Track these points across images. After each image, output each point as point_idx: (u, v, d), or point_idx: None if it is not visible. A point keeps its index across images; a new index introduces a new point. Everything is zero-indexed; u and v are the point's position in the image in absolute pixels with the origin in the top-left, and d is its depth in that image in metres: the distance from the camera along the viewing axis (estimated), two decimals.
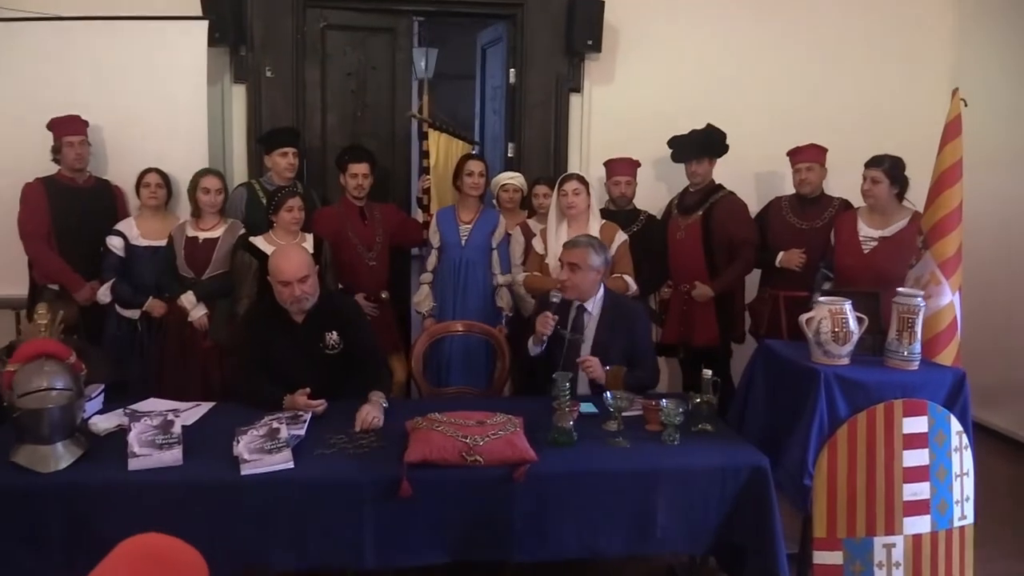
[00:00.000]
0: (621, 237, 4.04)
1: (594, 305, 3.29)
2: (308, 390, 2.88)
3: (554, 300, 3.21)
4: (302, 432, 2.60)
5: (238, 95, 4.95)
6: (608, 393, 2.68)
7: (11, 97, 4.40)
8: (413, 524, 2.38)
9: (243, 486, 2.34)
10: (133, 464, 2.39)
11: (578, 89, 5.12)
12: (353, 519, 2.35)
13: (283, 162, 4.28)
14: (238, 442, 2.41)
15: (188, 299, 3.95)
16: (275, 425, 2.47)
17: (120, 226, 4.16)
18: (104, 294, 4.12)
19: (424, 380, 3.53)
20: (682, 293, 4.35)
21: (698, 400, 2.78)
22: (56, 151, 4.16)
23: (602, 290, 3.34)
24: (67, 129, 4.15)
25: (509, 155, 5.19)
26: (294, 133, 4.45)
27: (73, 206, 4.17)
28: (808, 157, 4.24)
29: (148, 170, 4.18)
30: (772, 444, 2.83)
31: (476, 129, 5.46)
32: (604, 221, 4.08)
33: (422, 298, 4.31)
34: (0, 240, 4.27)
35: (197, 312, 3.95)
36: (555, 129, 5.12)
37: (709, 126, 4.39)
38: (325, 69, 4.97)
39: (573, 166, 5.11)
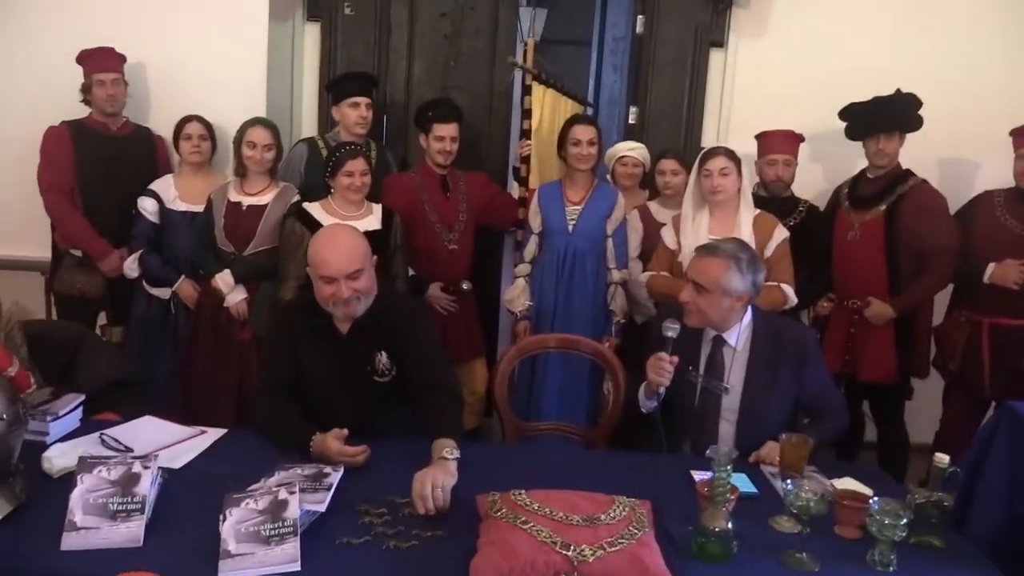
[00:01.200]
0: (781, 234, 3.08)
1: (738, 336, 2.34)
2: (345, 432, 2.04)
3: (669, 335, 2.25)
4: (323, 505, 1.75)
5: (311, 35, 4.21)
6: (788, 482, 1.74)
7: (39, 29, 3.74)
8: None
9: None
10: (68, 542, 1.61)
11: (721, 43, 4.14)
12: None
13: (353, 115, 3.48)
14: (224, 518, 1.60)
15: (224, 280, 3.22)
16: (282, 496, 1.65)
17: (155, 185, 3.46)
18: (131, 267, 3.44)
19: (508, 408, 2.65)
20: (850, 311, 3.34)
21: (924, 500, 1.81)
22: (86, 90, 3.46)
23: (749, 313, 2.38)
24: (99, 64, 3.46)
25: (630, 121, 4.26)
26: (369, 80, 3.65)
27: (103, 156, 3.49)
28: None
29: (189, 118, 3.47)
30: (1018, 559, 1.86)
31: (590, 93, 4.52)
32: (758, 211, 3.13)
33: (516, 294, 3.44)
34: (24, 195, 3.60)
35: (235, 296, 3.21)
36: (689, 92, 4.16)
37: (899, 92, 3.33)
38: (414, 8, 4.17)
39: (708, 138, 4.15)
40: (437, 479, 1.80)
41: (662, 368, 2.22)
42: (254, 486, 1.73)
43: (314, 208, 3.10)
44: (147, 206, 3.42)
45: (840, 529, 1.84)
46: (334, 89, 3.59)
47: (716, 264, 2.26)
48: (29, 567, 1.56)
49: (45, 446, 2.04)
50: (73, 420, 2.21)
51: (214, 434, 2.23)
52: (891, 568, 1.69)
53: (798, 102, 3.84)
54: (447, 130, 3.39)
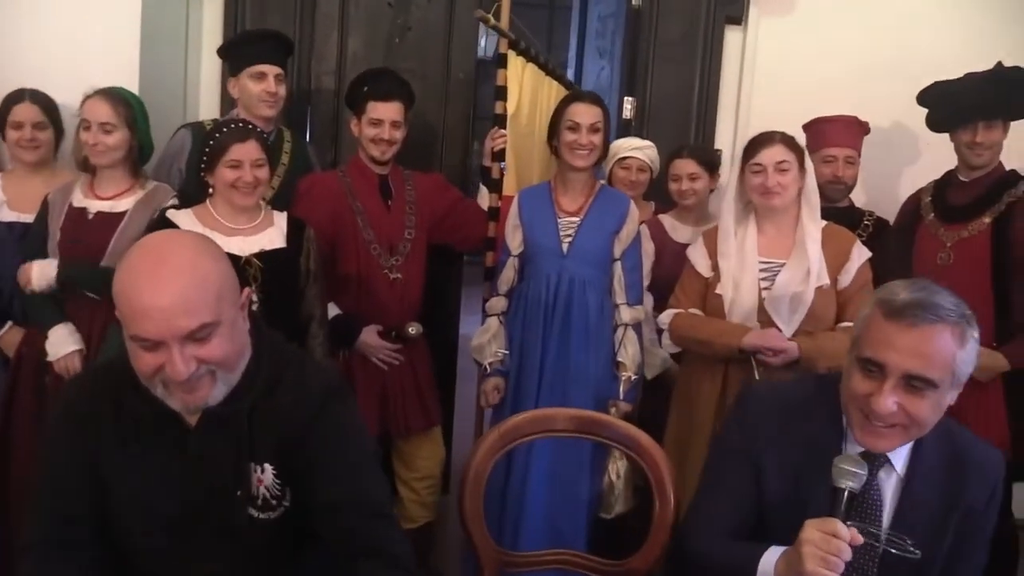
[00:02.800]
0: (862, 254, 2.28)
1: (900, 456, 1.38)
2: None
3: (846, 486, 1.24)
4: None
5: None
6: None
7: None
8: None
9: None
10: None
11: (738, 19, 3.36)
12: None
13: (257, 89, 2.57)
14: None
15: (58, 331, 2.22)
16: None
17: None
18: None
19: (485, 533, 1.63)
20: None
21: None
22: None
23: None
24: None
25: (624, 115, 3.42)
26: (280, 41, 2.70)
27: None
28: None
29: (17, 97, 2.50)
30: None
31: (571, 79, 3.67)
32: (826, 222, 2.27)
33: (486, 340, 2.51)
34: None
35: (61, 348, 2.19)
36: (701, 78, 3.37)
37: (1001, 66, 2.52)
38: None
39: (723, 135, 3.39)
40: None
41: (838, 550, 1.19)
42: None
43: (182, 218, 2.10)
44: None
45: None
46: (232, 55, 2.64)
47: (944, 336, 1.27)
48: None
49: None
50: None
51: None
52: None
53: (834, 89, 3.10)
54: (387, 111, 2.48)
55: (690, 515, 1.49)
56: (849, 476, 1.23)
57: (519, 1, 5.41)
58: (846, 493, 1.23)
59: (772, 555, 1.29)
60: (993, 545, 2.49)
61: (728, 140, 3.34)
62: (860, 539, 1.21)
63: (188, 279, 1.14)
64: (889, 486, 1.37)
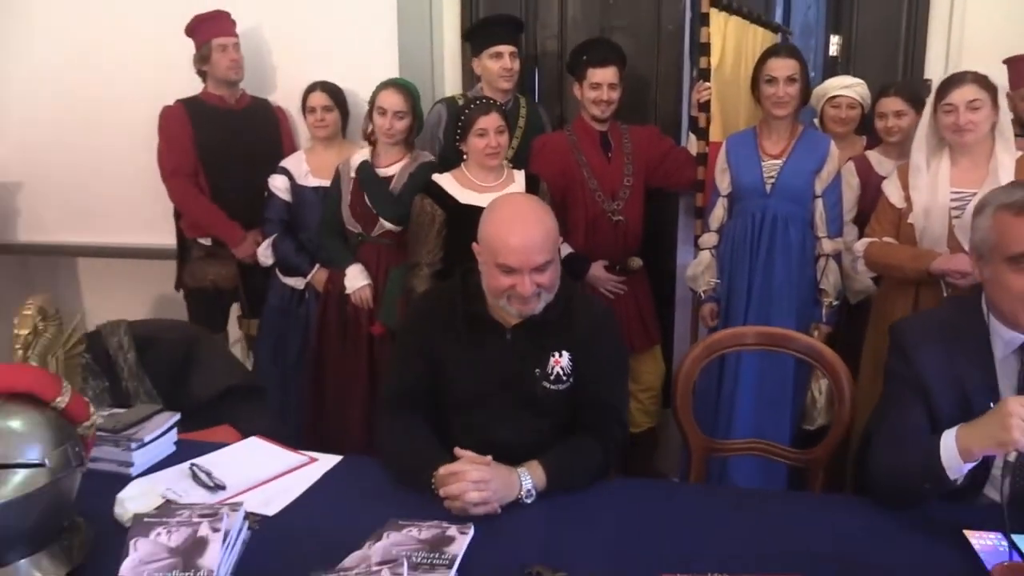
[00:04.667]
0: None
1: None
2: (488, 459, 1.56)
3: None
4: None
5: None
6: None
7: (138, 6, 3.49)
8: None
9: None
10: None
11: None
12: None
13: (496, 66, 3.00)
14: None
15: (351, 271, 2.84)
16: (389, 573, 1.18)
17: (287, 162, 3.15)
18: (265, 254, 3.13)
19: (693, 423, 2.05)
20: None
21: None
22: (202, 60, 3.15)
23: None
24: (217, 28, 3.14)
25: (831, 52, 3.54)
26: (514, 24, 3.15)
27: (225, 134, 3.20)
28: None
29: (312, 87, 3.11)
30: None
31: (778, 19, 3.79)
32: (1021, 153, 2.34)
33: (700, 271, 2.86)
34: (144, 182, 3.38)
35: (355, 281, 2.82)
36: (908, 10, 3.36)
37: None
38: None
39: (934, 70, 3.32)
40: (486, 481, 1.50)
41: None
42: (350, 560, 1.27)
43: (444, 180, 2.63)
44: (278, 184, 3.09)
45: None
46: (473, 38, 3.11)
47: None
48: None
49: (129, 479, 1.69)
50: (166, 445, 1.85)
51: (326, 463, 1.80)
52: None
53: None
54: (605, 75, 2.84)
55: (873, 438, 1.65)
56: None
57: None
58: None
59: (949, 436, 1.43)
60: None
61: (939, 72, 3.21)
62: None
63: (541, 229, 1.69)
64: None
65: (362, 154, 2.93)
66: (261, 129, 3.25)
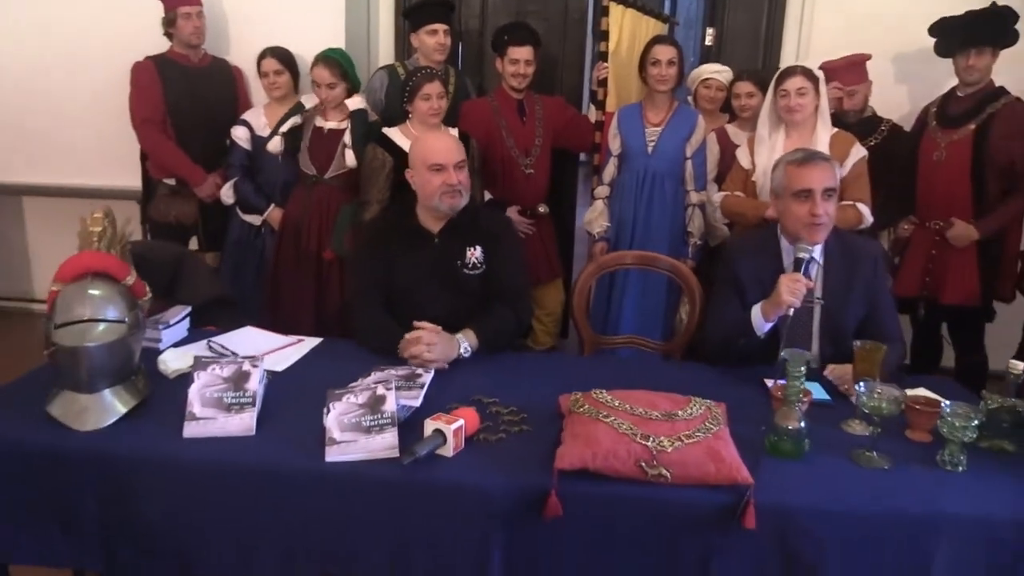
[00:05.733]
0: (859, 152, 3.03)
1: (818, 249, 2.30)
2: (437, 327, 2.19)
3: (803, 256, 2.17)
4: (417, 401, 1.89)
5: None
6: (861, 384, 1.80)
7: None
8: (559, 558, 1.64)
9: (328, 476, 1.67)
10: (189, 430, 1.77)
11: None
12: (473, 541, 1.63)
13: (432, 41, 3.53)
14: (328, 411, 1.74)
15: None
16: (380, 391, 1.78)
17: (247, 115, 3.63)
18: (227, 194, 3.61)
19: (586, 323, 2.74)
20: (932, 232, 3.29)
21: (997, 405, 1.85)
22: (169, 23, 3.59)
23: None
24: None
25: (707, 43, 4.22)
26: (447, 6, 3.67)
27: (189, 88, 3.64)
28: None
29: (263, 54, 3.58)
30: None
31: (666, 12, 4.47)
32: (836, 130, 3.08)
33: (595, 216, 3.51)
34: (111, 128, 3.83)
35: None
36: (768, 11, 4.09)
37: (994, 4, 3.21)
38: None
39: (788, 59, 4.07)
40: (434, 344, 2.13)
41: (798, 289, 2.12)
42: (354, 384, 1.87)
43: (393, 133, 3.19)
44: (239, 134, 3.57)
45: (912, 434, 1.88)
46: (412, 16, 3.63)
47: (830, 167, 2.24)
48: (155, 451, 1.73)
49: (159, 351, 2.21)
50: (181, 330, 2.39)
51: (310, 342, 2.37)
52: (960, 468, 1.74)
53: (882, 19, 3.77)
54: (523, 53, 3.41)
55: (707, 318, 2.45)
56: (803, 251, 2.16)
57: None
58: (804, 261, 2.15)
59: (755, 308, 2.21)
60: (965, 369, 3.36)
61: (791, 62, 3.77)
62: (811, 283, 2.17)
63: (454, 140, 2.42)
64: (813, 269, 2.27)
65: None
66: (220, 86, 3.71)
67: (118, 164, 3.96)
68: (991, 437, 1.84)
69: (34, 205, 4.50)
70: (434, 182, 2.33)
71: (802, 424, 1.75)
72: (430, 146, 2.37)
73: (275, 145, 3.41)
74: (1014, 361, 1.87)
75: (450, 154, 2.33)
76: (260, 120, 3.59)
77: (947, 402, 1.79)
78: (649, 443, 1.62)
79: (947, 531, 1.60)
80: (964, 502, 1.64)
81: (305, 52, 3.64)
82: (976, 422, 1.72)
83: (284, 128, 3.39)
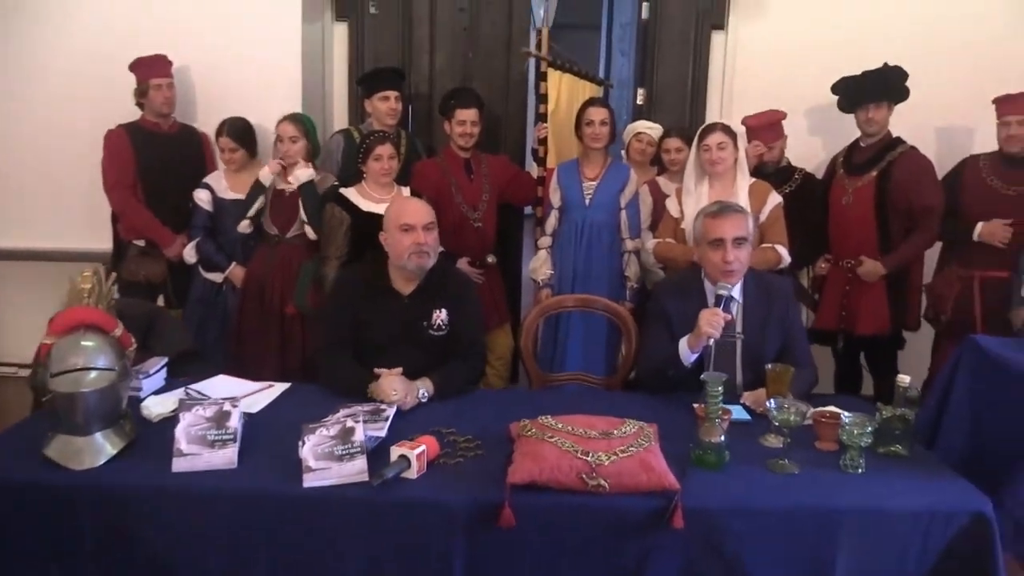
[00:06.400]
0: (775, 199, 3.35)
1: (737, 289, 2.58)
2: (399, 369, 2.42)
3: (724, 293, 2.46)
4: (382, 432, 2.10)
5: (339, 34, 4.54)
6: (772, 401, 2.07)
7: (92, 32, 4.14)
8: (514, 563, 1.86)
9: (306, 500, 1.87)
10: (178, 465, 1.96)
11: (721, 25, 4.39)
12: (437, 551, 1.84)
13: (384, 107, 3.80)
14: (303, 443, 1.94)
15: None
16: (349, 424, 1.98)
17: (209, 179, 3.82)
18: (190, 254, 3.79)
19: (534, 361, 2.99)
20: (844, 270, 3.63)
21: (890, 414, 2.13)
22: (141, 94, 3.81)
23: None
24: (154, 71, 3.80)
25: (638, 102, 4.55)
26: (398, 74, 3.96)
27: (159, 154, 3.84)
28: (1022, 108, 3.42)
29: (219, 131, 3.77)
30: (978, 474, 2.16)
31: (601, 76, 4.81)
32: (753, 180, 3.40)
33: (539, 264, 3.78)
34: (83, 192, 4.02)
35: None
36: (692, 72, 4.43)
37: (886, 65, 3.61)
38: (434, 4, 4.46)
39: (712, 116, 4.40)
40: (397, 388, 2.35)
41: (717, 322, 2.39)
42: (325, 418, 2.07)
43: (350, 192, 3.43)
44: (202, 197, 3.75)
45: (820, 444, 2.16)
46: (365, 84, 3.91)
47: (742, 217, 2.53)
48: (147, 485, 1.91)
49: (140, 399, 2.38)
50: (159, 379, 2.57)
51: (280, 387, 2.57)
52: (860, 470, 2.01)
53: (796, 78, 4.11)
54: (468, 115, 3.68)
55: (639, 352, 2.73)
56: (723, 288, 2.44)
57: (562, 25, 6.50)
58: (724, 298, 2.44)
59: (682, 341, 2.48)
60: (882, 393, 3.65)
61: (715, 118, 4.12)
62: (729, 316, 2.45)
63: (423, 204, 2.68)
64: (734, 307, 2.55)
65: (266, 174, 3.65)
66: (188, 151, 3.91)
67: (87, 227, 4.12)
68: (887, 444, 2.12)
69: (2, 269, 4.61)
70: (404, 242, 2.54)
71: (723, 438, 2.01)
72: (402, 208, 2.61)
73: (244, 227, 3.60)
74: (901, 376, 2.16)
75: (420, 216, 2.56)
76: (221, 183, 3.78)
77: (847, 413, 2.06)
78: (589, 458, 1.85)
79: (848, 524, 1.87)
80: (863, 499, 1.91)
81: (264, 120, 3.87)
82: (871, 429, 2.00)
83: (251, 212, 3.57)
